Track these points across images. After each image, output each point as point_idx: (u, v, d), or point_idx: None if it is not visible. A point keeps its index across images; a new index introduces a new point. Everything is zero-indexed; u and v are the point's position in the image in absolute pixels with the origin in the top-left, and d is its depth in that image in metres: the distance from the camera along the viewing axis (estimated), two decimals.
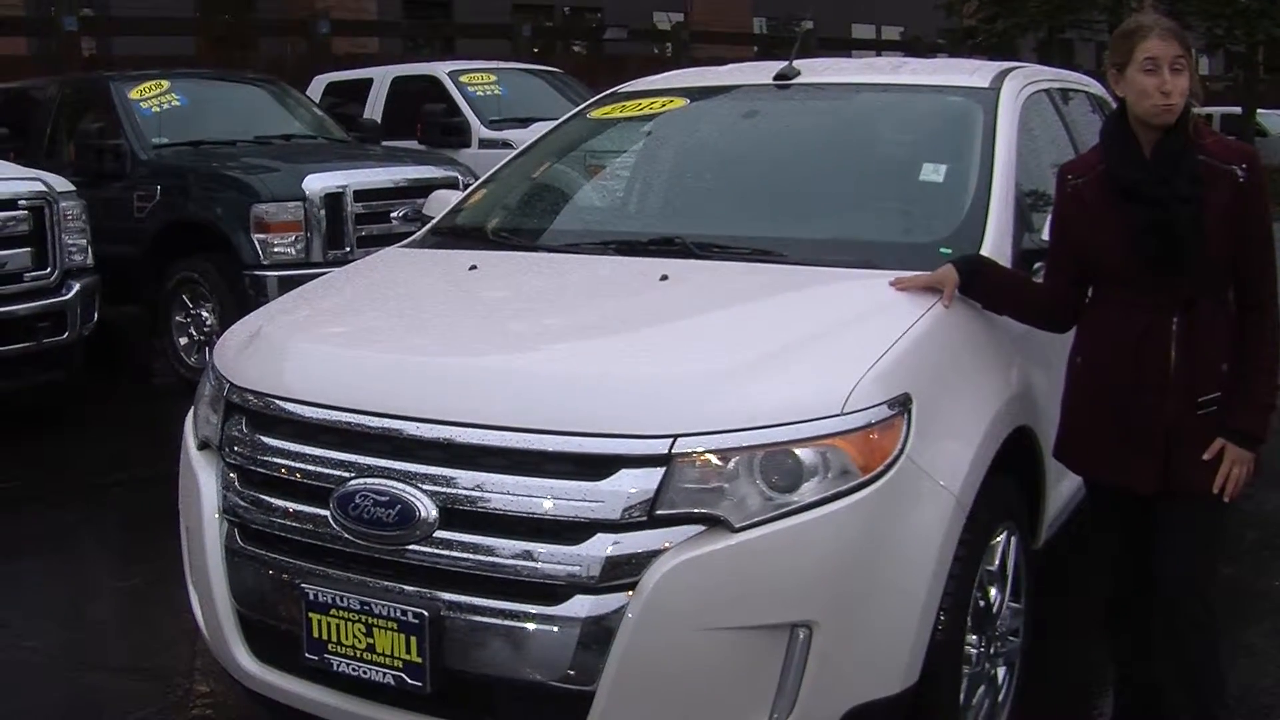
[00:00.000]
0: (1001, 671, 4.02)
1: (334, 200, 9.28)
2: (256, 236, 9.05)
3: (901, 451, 3.32)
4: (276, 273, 8.94)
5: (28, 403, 8.77)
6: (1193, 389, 3.57)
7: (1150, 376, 3.59)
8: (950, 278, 3.82)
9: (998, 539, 3.84)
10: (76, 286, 8.40)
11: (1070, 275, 3.82)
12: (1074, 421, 3.85)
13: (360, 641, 3.40)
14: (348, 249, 9.15)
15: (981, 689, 3.87)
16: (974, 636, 3.75)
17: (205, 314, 9.42)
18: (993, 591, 3.86)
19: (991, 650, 3.92)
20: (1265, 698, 4.47)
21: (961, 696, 3.69)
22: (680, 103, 5.30)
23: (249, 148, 10.32)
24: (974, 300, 3.90)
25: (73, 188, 8.62)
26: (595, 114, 5.48)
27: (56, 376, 8.54)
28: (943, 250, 4.10)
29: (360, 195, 9.44)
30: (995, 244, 4.17)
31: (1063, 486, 4.51)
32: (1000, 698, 4.01)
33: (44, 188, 8.28)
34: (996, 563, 3.86)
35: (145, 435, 8.30)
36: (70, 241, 8.40)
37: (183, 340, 9.61)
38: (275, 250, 9.06)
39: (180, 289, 9.57)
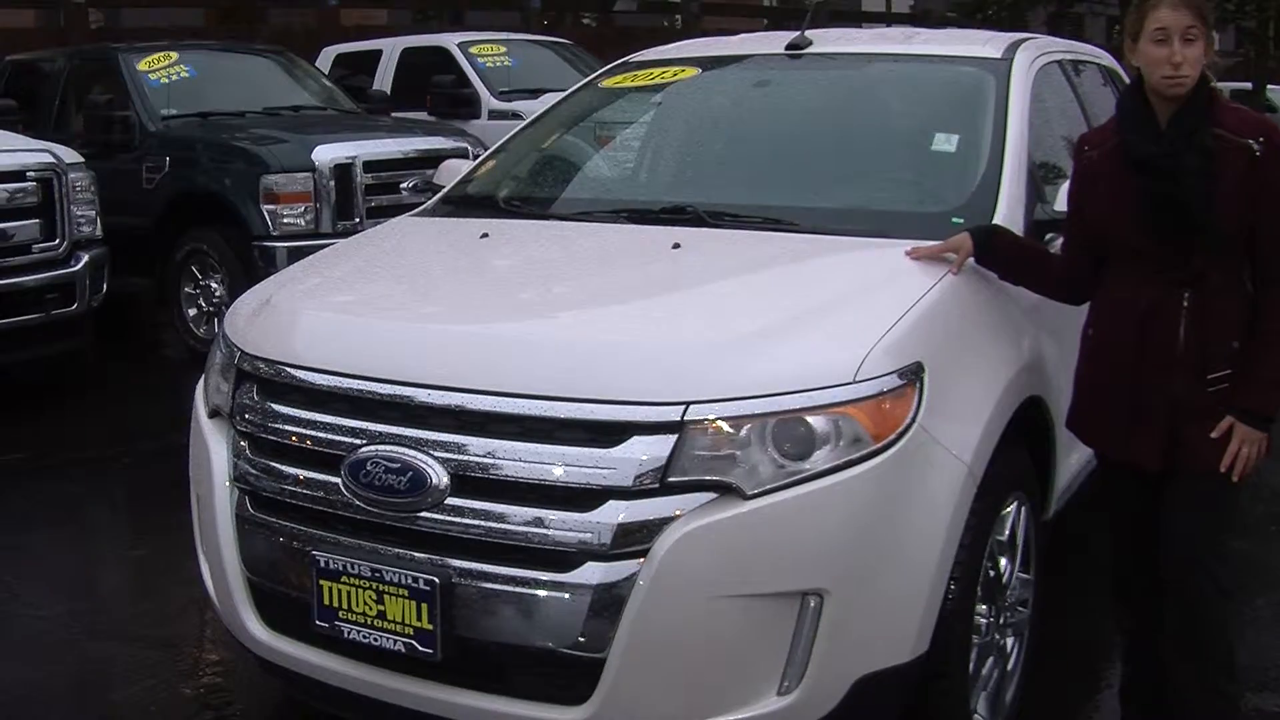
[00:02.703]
0: (1011, 641, 4.02)
1: (343, 171, 9.29)
2: (266, 207, 9.05)
3: (913, 420, 3.32)
4: (286, 244, 8.94)
5: (37, 374, 8.78)
6: (1202, 366, 3.50)
7: (1158, 351, 3.52)
8: (964, 246, 3.80)
9: (1008, 509, 3.84)
10: (85, 258, 8.40)
11: (1086, 246, 3.75)
12: (1084, 394, 3.80)
13: (371, 609, 3.40)
14: (357, 220, 9.14)
15: (991, 659, 3.87)
16: (984, 606, 3.75)
17: (214, 285, 9.42)
18: (1003, 561, 3.86)
19: (1001, 620, 3.92)
20: (1274, 671, 4.47)
21: (971, 666, 3.68)
22: (692, 72, 5.29)
23: (258, 119, 10.31)
24: (990, 271, 3.88)
25: (81, 159, 8.60)
26: (606, 83, 5.47)
27: (66, 348, 8.55)
28: (955, 220, 4.09)
29: (369, 166, 9.45)
30: (1007, 214, 4.16)
31: (1073, 457, 4.51)
32: (1009, 667, 4.01)
33: (52, 159, 8.27)
34: (1007, 533, 3.86)
35: (154, 407, 8.31)
36: (79, 213, 8.39)
37: (192, 311, 9.62)
38: (284, 221, 9.06)
39: (189, 260, 9.57)
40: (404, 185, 9.49)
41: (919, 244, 3.86)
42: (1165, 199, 3.46)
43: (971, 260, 3.83)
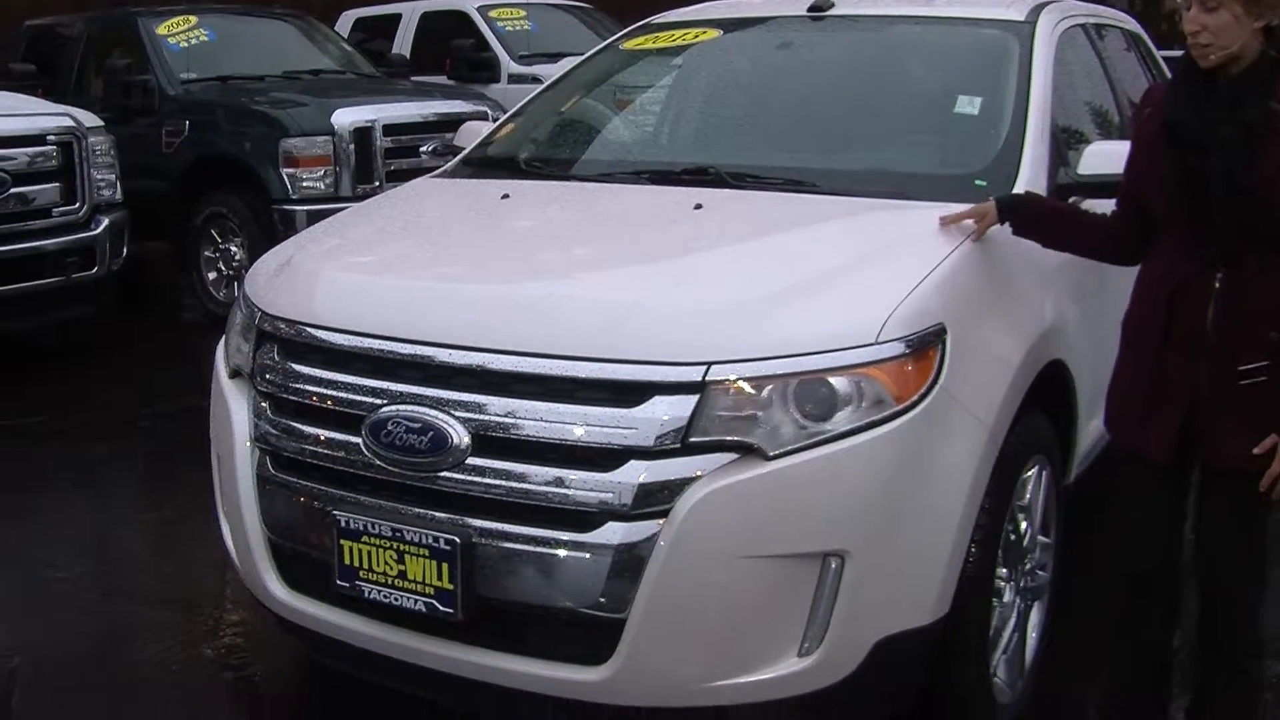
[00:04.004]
0: (1031, 605, 4.01)
1: (363, 135, 9.28)
2: (285, 171, 9.06)
3: (935, 382, 3.30)
4: (305, 207, 8.94)
5: (58, 338, 8.80)
6: (1232, 354, 3.25)
7: (1184, 334, 3.31)
8: (989, 213, 3.69)
9: (1029, 472, 3.82)
10: (105, 222, 8.41)
11: (1137, 206, 3.52)
12: (1114, 377, 3.59)
13: (392, 568, 3.40)
14: (376, 183, 9.15)
15: (1011, 622, 3.87)
16: (1004, 570, 3.75)
17: (234, 249, 9.43)
18: (1023, 525, 3.85)
19: (1021, 584, 3.92)
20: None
21: (991, 629, 3.68)
22: (714, 34, 5.26)
23: (277, 83, 10.31)
24: (1031, 240, 3.76)
25: (101, 123, 8.61)
26: (627, 45, 5.45)
27: (86, 312, 8.56)
28: (978, 182, 4.07)
29: (389, 130, 9.44)
30: (1030, 177, 4.13)
31: (1094, 422, 4.48)
32: (1029, 631, 4.00)
33: (72, 123, 8.28)
34: (1028, 496, 3.85)
35: (174, 370, 8.32)
36: (99, 177, 8.40)
37: (211, 275, 9.63)
38: (304, 185, 9.06)
39: (209, 224, 9.57)
40: (423, 149, 9.48)
41: (942, 207, 3.83)
42: (1187, 171, 3.27)
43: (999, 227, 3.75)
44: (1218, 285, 3.26)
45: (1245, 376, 3.25)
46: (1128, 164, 3.57)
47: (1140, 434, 3.43)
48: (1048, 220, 3.77)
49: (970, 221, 3.72)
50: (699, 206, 4.01)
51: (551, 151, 5.08)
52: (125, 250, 8.64)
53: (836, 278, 3.48)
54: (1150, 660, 3.64)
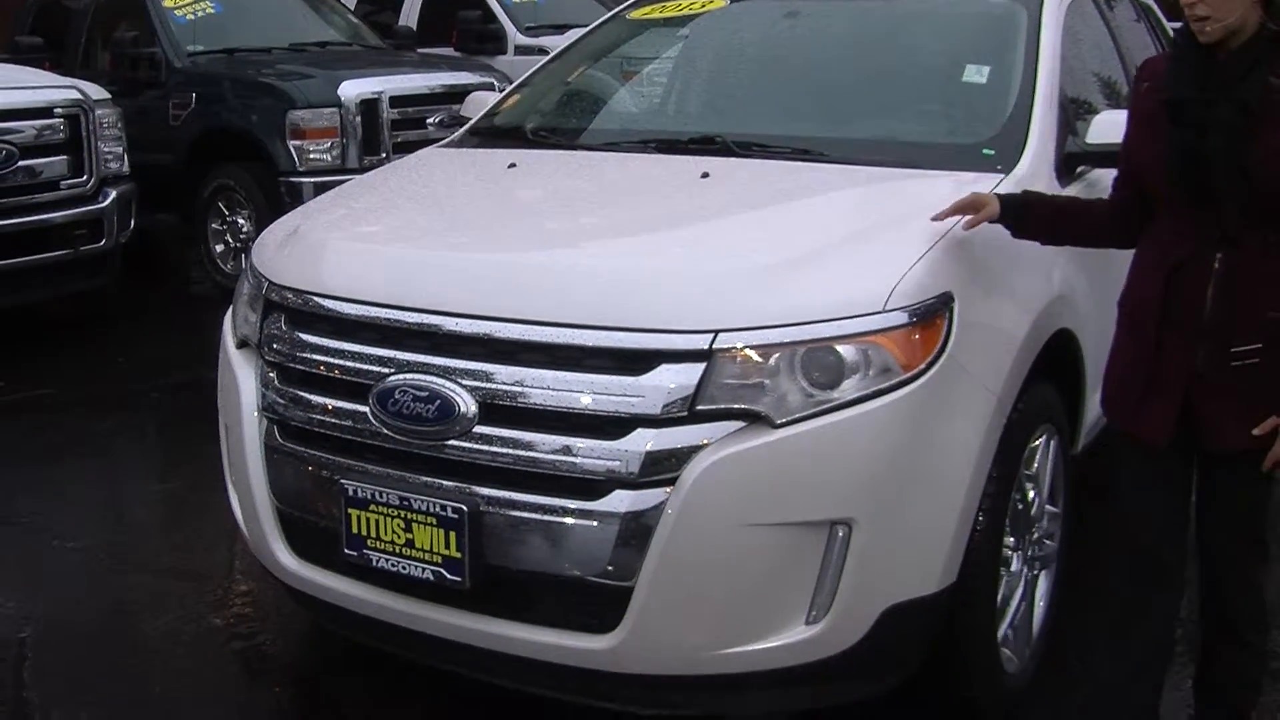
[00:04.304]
0: (1038, 575, 4.01)
1: (369, 106, 9.26)
2: (292, 143, 9.04)
3: (943, 350, 3.30)
4: (312, 179, 8.92)
5: (66, 310, 8.81)
6: (1229, 336, 3.16)
7: (1183, 315, 3.20)
8: (990, 205, 3.51)
9: (1037, 441, 3.82)
10: (113, 194, 8.40)
11: (1136, 187, 3.41)
12: (1111, 358, 3.48)
13: (399, 537, 3.41)
14: (383, 155, 9.12)
15: (1018, 592, 3.87)
16: (1012, 539, 3.74)
17: (241, 221, 9.42)
18: (1031, 494, 3.85)
19: (1029, 554, 3.92)
20: None
21: (998, 598, 3.68)
22: (720, 3, 5.25)
23: (284, 55, 10.26)
24: (1032, 240, 3.62)
25: (108, 95, 8.58)
26: (634, 15, 5.43)
27: (95, 284, 8.56)
28: (985, 151, 4.06)
29: (396, 101, 9.42)
30: (1038, 147, 4.12)
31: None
32: (1036, 601, 4.00)
33: (79, 96, 8.26)
34: (1035, 466, 3.85)
35: (183, 342, 8.33)
36: (106, 149, 8.38)
37: (219, 247, 9.62)
38: (311, 157, 9.05)
39: (216, 196, 9.56)
40: (430, 120, 9.47)
41: (950, 175, 3.83)
42: (1186, 150, 3.14)
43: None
44: (1217, 266, 3.16)
45: (1238, 358, 3.17)
46: (1125, 143, 3.45)
47: (1137, 416, 3.33)
48: (1052, 220, 3.60)
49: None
50: (706, 175, 4.00)
51: (558, 121, 5.08)
52: (133, 223, 8.62)
53: (844, 246, 3.47)
54: (1154, 636, 3.57)
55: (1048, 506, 3.99)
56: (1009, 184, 3.83)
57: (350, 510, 3.48)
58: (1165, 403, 3.26)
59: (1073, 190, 4.14)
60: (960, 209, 3.51)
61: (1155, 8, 6.45)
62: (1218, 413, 3.22)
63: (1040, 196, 3.67)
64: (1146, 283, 3.29)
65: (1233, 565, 3.42)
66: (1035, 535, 3.94)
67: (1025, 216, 3.55)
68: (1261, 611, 3.51)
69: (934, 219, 3.50)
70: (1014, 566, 3.82)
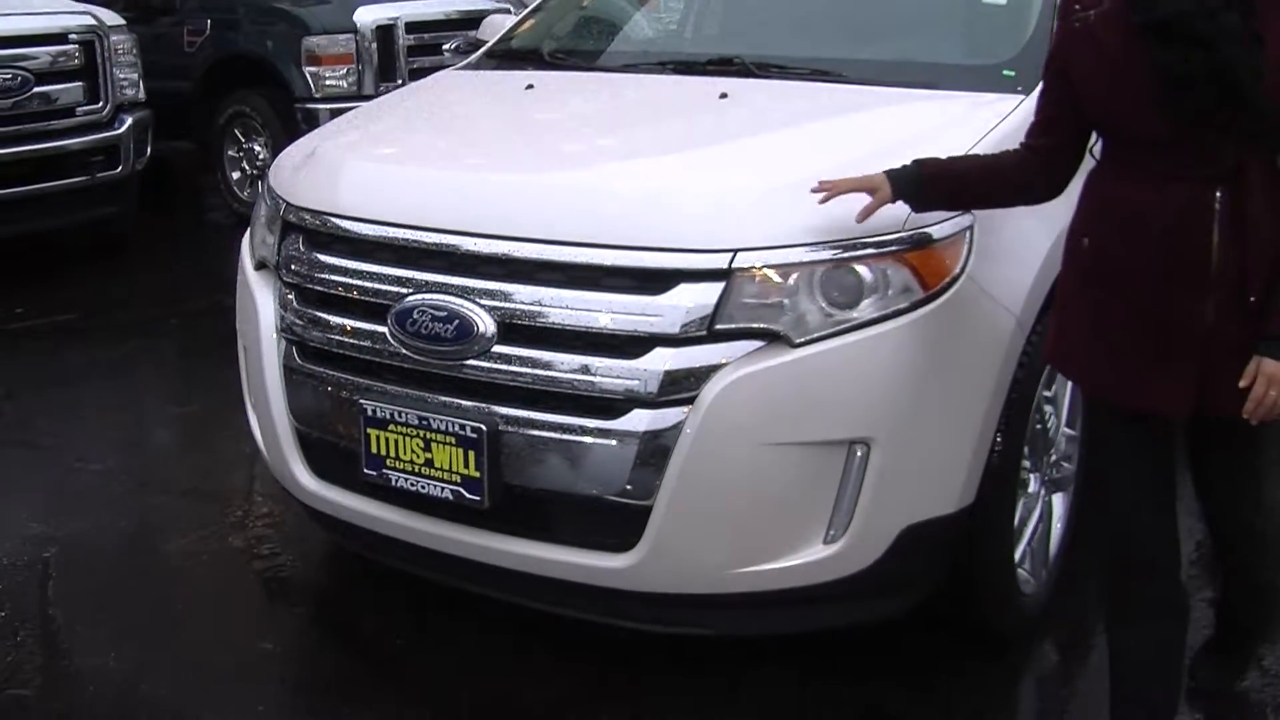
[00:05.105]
0: (1056, 498, 4.02)
1: (385, 32, 9.21)
2: (308, 69, 9.00)
3: (962, 270, 3.29)
4: (328, 105, 8.86)
5: (84, 238, 8.81)
6: (1241, 283, 2.75)
7: (1187, 270, 2.77)
8: (881, 187, 3.14)
9: None
10: (129, 121, 8.37)
11: (1067, 133, 3.01)
12: (1079, 322, 3.00)
13: (418, 456, 3.42)
14: (399, 81, 9.07)
15: (1036, 513, 3.87)
16: (1029, 461, 3.74)
17: (258, 148, 9.39)
18: (1049, 416, 3.84)
19: (1047, 476, 3.92)
20: None
21: (1016, 520, 3.69)
22: None
23: None
24: (936, 209, 3.27)
25: (122, 22, 8.54)
26: None
27: (111, 211, 8.55)
28: (1005, 72, 4.00)
29: (412, 27, 9.37)
30: None
31: None
32: (1054, 523, 4.01)
33: (94, 21, 8.21)
34: (1054, 388, 3.84)
35: (200, 269, 8.35)
36: (122, 76, 8.34)
37: (236, 175, 9.60)
38: (327, 83, 9.01)
39: (232, 124, 9.53)
40: (446, 46, 9.35)
41: (970, 96, 3.79)
42: (1196, 73, 2.66)
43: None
44: (1218, 206, 2.74)
45: (1254, 307, 2.76)
46: (1057, 88, 2.99)
47: (1146, 390, 2.88)
48: (956, 191, 3.22)
49: (856, 196, 3.17)
50: (724, 96, 3.97)
51: (575, 43, 5.04)
52: (149, 150, 8.60)
53: (862, 166, 3.43)
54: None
55: (1065, 429, 3.98)
56: (1030, 105, 3.79)
57: (369, 430, 3.49)
58: (1181, 370, 2.83)
59: None
60: (853, 188, 3.17)
61: None
62: (1235, 372, 2.78)
63: (937, 167, 3.19)
64: (1134, 242, 2.83)
65: (1248, 527, 3.21)
66: (1053, 458, 3.94)
67: (924, 192, 3.16)
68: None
69: (814, 190, 3.18)
70: (1032, 488, 3.82)
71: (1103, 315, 2.92)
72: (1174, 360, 2.83)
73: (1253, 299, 2.75)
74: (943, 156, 3.22)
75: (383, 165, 3.95)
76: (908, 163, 3.17)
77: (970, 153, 3.38)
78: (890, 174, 3.15)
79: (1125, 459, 3.03)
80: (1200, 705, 3.54)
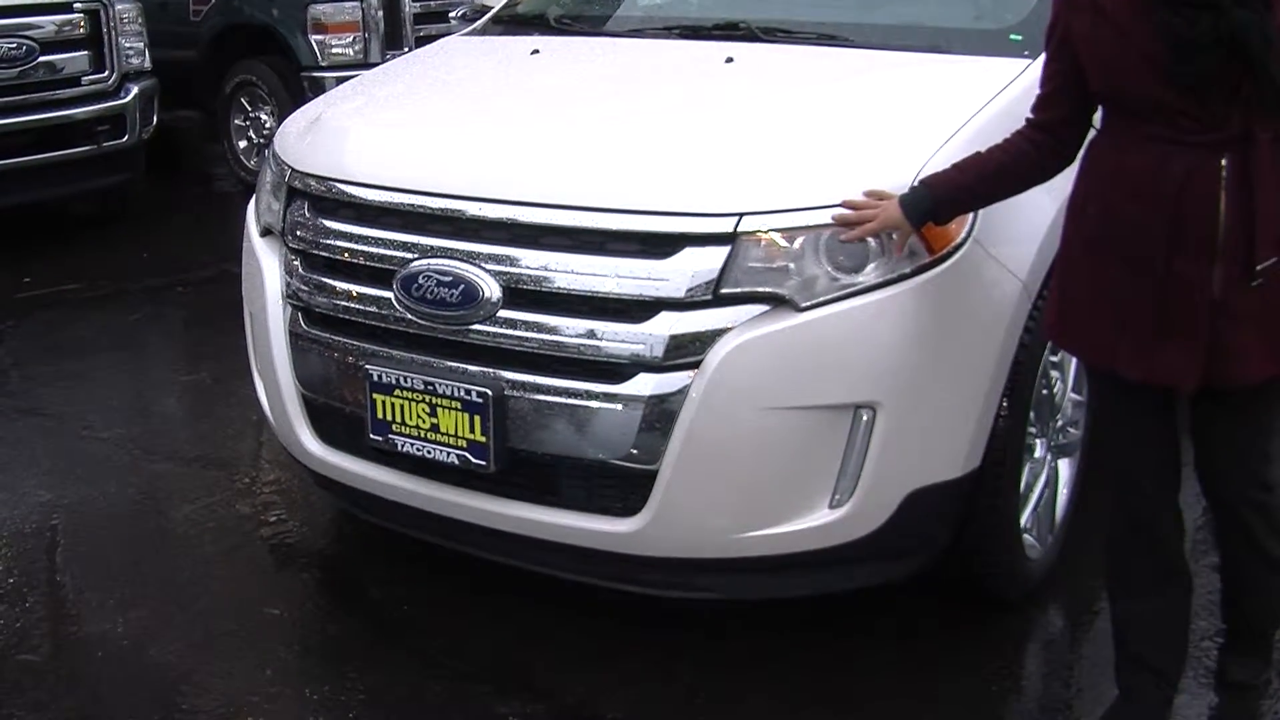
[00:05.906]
0: (1062, 463, 4.01)
1: (391, 0, 9.17)
2: (314, 38, 8.98)
3: (969, 235, 3.28)
4: (334, 74, 8.83)
5: (91, 207, 8.82)
6: (1249, 251, 2.72)
7: (1193, 237, 2.73)
8: (892, 216, 3.10)
9: None
10: (135, 89, 8.36)
11: (1071, 106, 2.95)
12: (1083, 293, 2.97)
13: (424, 421, 3.43)
14: (405, 49, 9.04)
15: (1042, 478, 3.87)
16: (1035, 426, 3.74)
17: (264, 117, 9.37)
18: (1055, 381, 3.84)
19: (1053, 441, 3.91)
20: None
21: (1022, 484, 3.68)
22: None
23: None
24: (957, 216, 3.23)
25: None
26: None
27: (118, 180, 8.55)
28: (1013, 36, 3.98)
29: None
30: None
31: None
32: (1060, 488, 4.01)
33: None
34: (1060, 353, 3.83)
35: (207, 237, 8.35)
36: (127, 45, 8.32)
37: (242, 144, 9.58)
38: (333, 51, 8.99)
39: (238, 92, 9.51)
40: (452, 14, 9.32)
41: (977, 60, 3.78)
42: (1204, 39, 2.61)
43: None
44: (1225, 174, 2.70)
45: (1258, 277, 2.74)
46: (1061, 59, 2.93)
47: (1154, 362, 2.85)
48: (971, 194, 3.15)
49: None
50: (730, 60, 3.95)
51: (581, 8, 5.01)
52: (155, 119, 8.60)
53: (869, 129, 3.45)
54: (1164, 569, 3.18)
55: (1072, 394, 3.97)
56: (1035, 70, 3.76)
57: (375, 395, 3.49)
58: (1189, 340, 2.80)
59: None
60: (874, 230, 3.13)
61: None
62: (1244, 342, 2.79)
63: (945, 189, 3.10)
64: (1139, 208, 2.79)
65: (1253, 500, 3.09)
66: (1059, 423, 3.94)
67: (938, 216, 3.14)
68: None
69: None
70: (1038, 453, 3.82)
71: (1108, 286, 2.89)
72: (1182, 331, 2.80)
73: (1259, 266, 2.72)
74: (945, 169, 3.13)
75: (388, 131, 3.94)
76: (915, 185, 3.13)
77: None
78: (904, 205, 3.09)
79: (1128, 429, 3.06)
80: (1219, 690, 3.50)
